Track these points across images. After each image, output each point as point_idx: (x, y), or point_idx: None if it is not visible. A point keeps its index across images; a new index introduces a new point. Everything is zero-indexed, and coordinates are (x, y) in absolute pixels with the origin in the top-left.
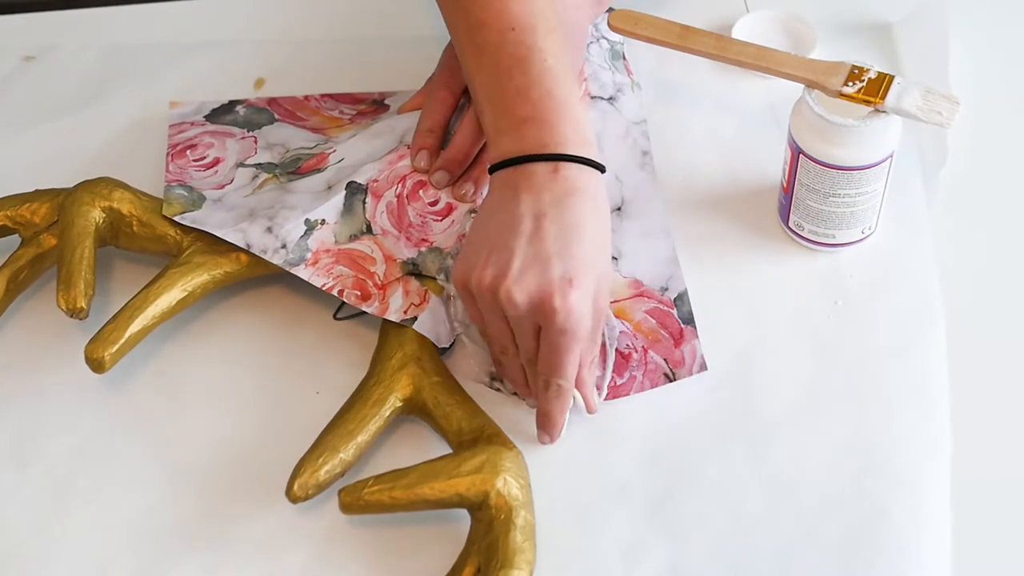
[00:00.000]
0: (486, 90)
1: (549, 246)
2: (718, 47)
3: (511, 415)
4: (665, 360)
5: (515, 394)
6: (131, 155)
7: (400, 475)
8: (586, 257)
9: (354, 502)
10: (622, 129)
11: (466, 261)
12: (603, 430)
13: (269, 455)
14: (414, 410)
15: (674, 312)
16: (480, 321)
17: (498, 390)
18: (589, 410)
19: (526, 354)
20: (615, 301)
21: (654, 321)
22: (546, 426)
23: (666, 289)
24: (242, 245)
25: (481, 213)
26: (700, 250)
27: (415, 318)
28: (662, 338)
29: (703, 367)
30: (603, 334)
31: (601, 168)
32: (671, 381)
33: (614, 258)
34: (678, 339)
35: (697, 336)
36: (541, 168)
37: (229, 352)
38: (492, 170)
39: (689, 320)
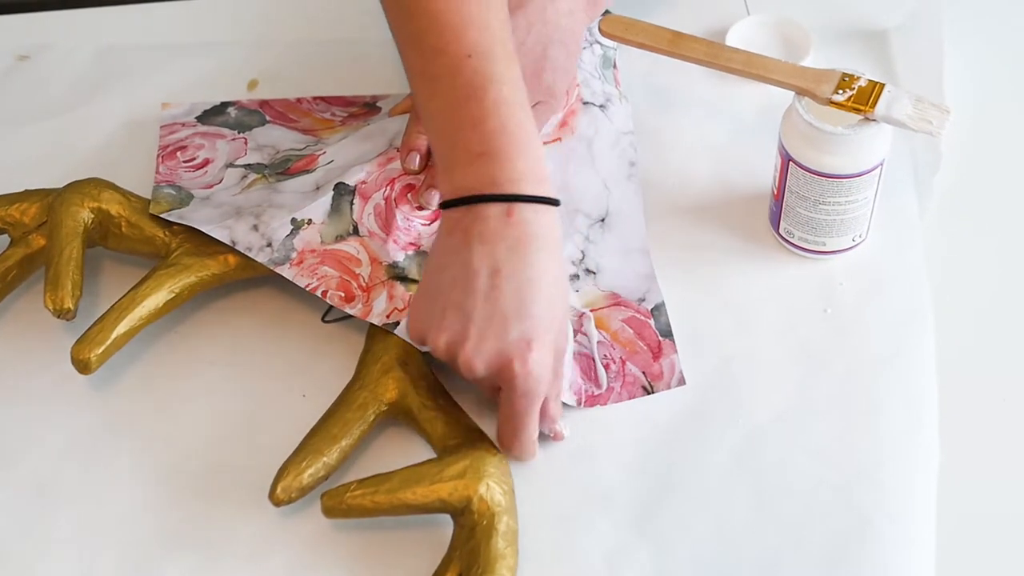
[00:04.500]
0: (439, 120)
1: (505, 306)
2: (709, 53)
3: (495, 421)
4: (643, 373)
5: None
6: (123, 156)
7: (383, 479)
8: (543, 314)
9: (336, 506)
10: (613, 137)
11: (420, 319)
12: (588, 437)
13: (254, 458)
14: (399, 414)
15: (651, 323)
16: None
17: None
18: (556, 439)
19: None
20: (593, 310)
21: (631, 331)
22: (519, 460)
23: (643, 300)
24: (227, 242)
25: (432, 261)
26: (690, 256)
27: (397, 323)
28: (640, 349)
29: (682, 381)
30: (584, 344)
31: (556, 203)
32: (649, 394)
33: (592, 272)
34: (656, 352)
35: (676, 351)
36: (494, 211)
37: (216, 354)
38: (443, 207)
39: (667, 333)
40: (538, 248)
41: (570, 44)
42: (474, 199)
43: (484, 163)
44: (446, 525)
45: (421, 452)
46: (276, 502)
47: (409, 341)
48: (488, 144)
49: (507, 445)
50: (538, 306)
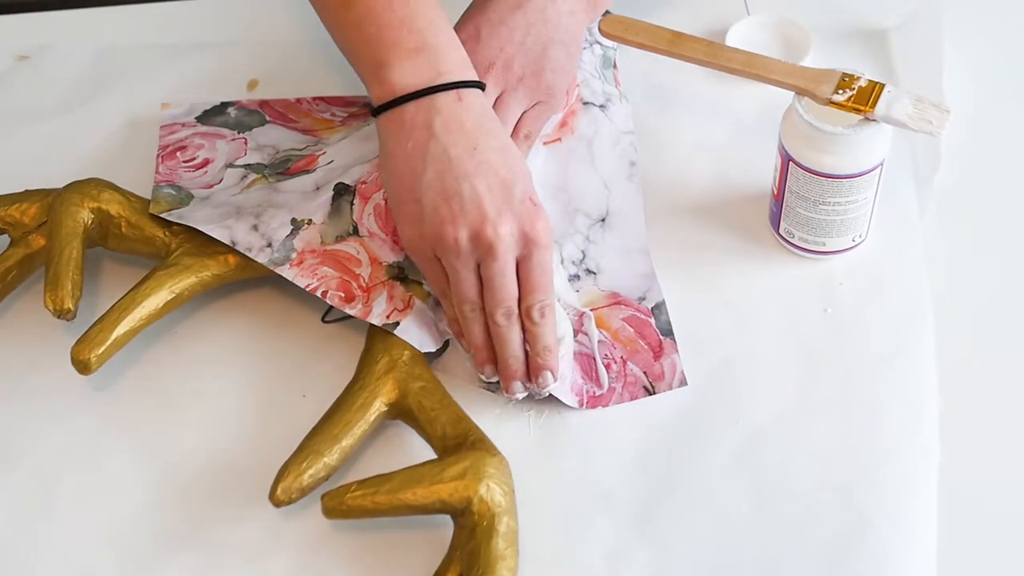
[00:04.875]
0: (361, 28)
1: (496, 175)
2: (708, 53)
3: (497, 421)
4: (645, 373)
5: (494, 390)
6: (122, 156)
7: (383, 480)
8: (524, 169)
9: (337, 507)
10: (613, 137)
11: (419, 225)
12: (589, 437)
13: (255, 458)
14: (399, 415)
15: (652, 321)
16: (442, 282)
17: (494, 391)
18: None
19: (501, 297)
20: (593, 310)
21: (632, 330)
22: (548, 358)
23: (643, 299)
24: (227, 242)
25: (398, 164)
26: (690, 256)
27: (397, 323)
28: (640, 349)
29: (683, 382)
30: (585, 344)
31: (484, 87)
32: (651, 395)
33: (593, 272)
34: (657, 351)
35: (677, 350)
36: (446, 99)
37: (216, 354)
38: (384, 108)
39: (668, 332)
40: (493, 120)
41: (570, 44)
42: (424, 92)
43: (423, 57)
44: (446, 526)
45: (421, 453)
46: (276, 503)
47: (408, 341)
48: (423, 39)
49: (536, 317)
50: (519, 163)
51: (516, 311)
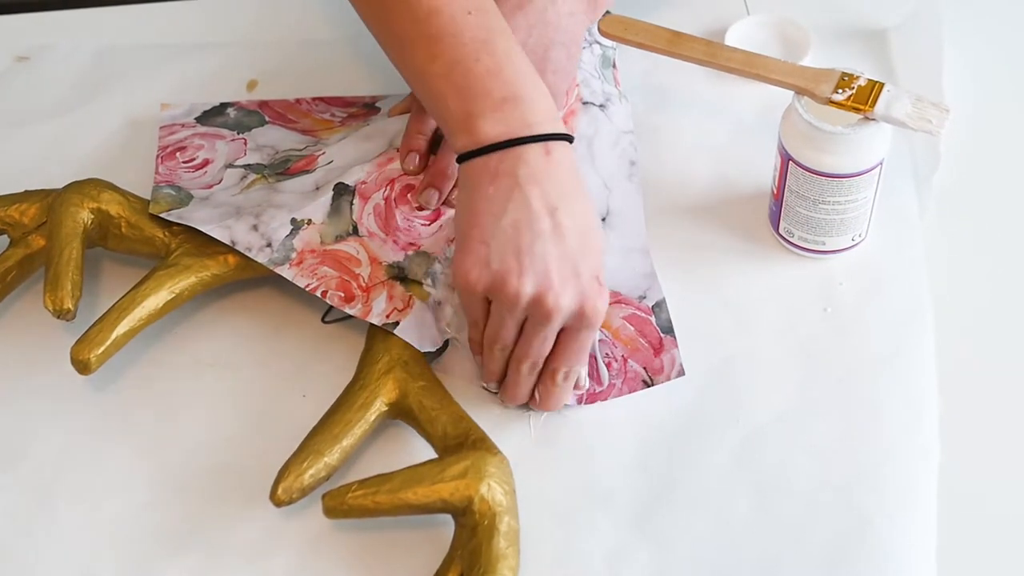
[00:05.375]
0: (449, 78)
1: (572, 245)
2: (708, 53)
3: (497, 420)
4: (644, 368)
5: (494, 391)
6: (122, 156)
7: (384, 480)
8: (599, 245)
9: (337, 506)
10: (613, 137)
11: (485, 267)
12: (589, 436)
13: (255, 458)
14: (400, 414)
15: (652, 319)
16: (481, 321)
17: (494, 392)
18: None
19: (535, 354)
20: None
21: (633, 329)
22: (553, 406)
23: (644, 297)
24: (227, 242)
25: (479, 208)
26: (690, 255)
27: (396, 323)
28: (641, 347)
29: (681, 372)
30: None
31: (571, 140)
32: (649, 386)
33: None
34: (658, 348)
35: (677, 346)
36: (534, 152)
37: (216, 354)
38: (470, 156)
39: (668, 330)
40: (579, 183)
41: (571, 46)
42: (513, 143)
43: (512, 108)
44: (447, 525)
45: (422, 452)
46: (277, 503)
47: (408, 340)
48: (511, 90)
49: (560, 379)
50: (595, 239)
51: (540, 366)
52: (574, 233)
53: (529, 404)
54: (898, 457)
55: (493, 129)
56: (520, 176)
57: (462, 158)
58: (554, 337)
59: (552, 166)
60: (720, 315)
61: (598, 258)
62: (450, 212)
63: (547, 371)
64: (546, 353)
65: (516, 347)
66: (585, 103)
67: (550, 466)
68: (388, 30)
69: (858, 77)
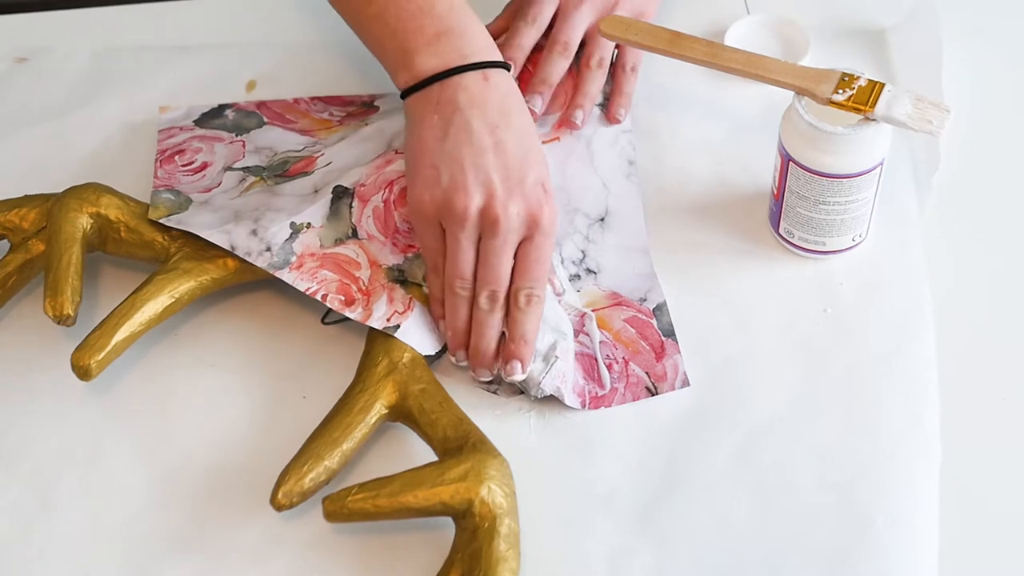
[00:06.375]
0: (385, 19)
1: (514, 156)
2: (708, 53)
3: (497, 422)
4: (647, 374)
5: (494, 391)
6: (122, 158)
7: (384, 483)
8: (541, 157)
9: (338, 510)
10: (612, 136)
11: (432, 190)
12: (590, 438)
13: (255, 461)
14: (400, 417)
15: (653, 323)
16: (437, 253)
17: (495, 392)
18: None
19: (493, 277)
20: (595, 310)
21: (633, 331)
22: (523, 348)
23: (644, 299)
24: (226, 247)
25: (422, 135)
26: (690, 256)
27: (397, 326)
28: (642, 350)
29: (686, 383)
30: (586, 344)
31: (509, 68)
32: (653, 395)
33: (593, 272)
34: (659, 352)
35: (679, 351)
36: (472, 79)
37: (216, 357)
38: (412, 90)
39: (670, 333)
40: (519, 102)
41: None
42: (450, 72)
43: (447, 41)
44: (447, 527)
45: (422, 455)
46: (278, 507)
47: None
48: (446, 24)
49: (522, 303)
50: (537, 152)
51: (501, 299)
52: (515, 146)
53: (501, 371)
54: (899, 456)
55: (428, 62)
56: (460, 102)
57: (405, 94)
58: (510, 256)
59: (490, 90)
60: (720, 315)
61: (542, 169)
62: None
63: (510, 298)
64: (505, 276)
65: (476, 278)
66: None
67: (550, 467)
68: None
69: (858, 77)
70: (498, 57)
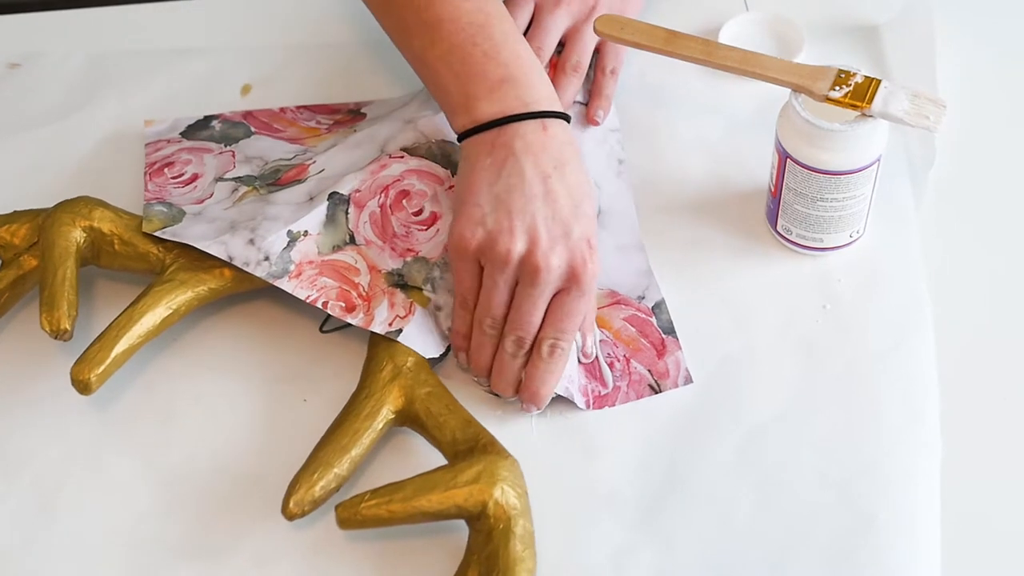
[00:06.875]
0: (447, 61)
1: (563, 208)
2: (704, 52)
3: (500, 423)
4: (649, 371)
5: (496, 393)
6: (115, 165)
7: (396, 488)
8: (591, 214)
9: (352, 517)
10: (600, 135)
11: (478, 230)
12: (592, 438)
13: (258, 468)
14: (407, 421)
15: (653, 320)
16: (470, 290)
17: (496, 394)
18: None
19: (523, 323)
20: None
21: (633, 329)
22: (540, 393)
23: (643, 298)
24: (224, 257)
25: (475, 178)
26: (688, 254)
27: (400, 330)
28: (643, 347)
29: (688, 379)
30: (590, 344)
31: (569, 119)
32: (656, 393)
33: None
34: (660, 350)
35: (680, 348)
36: (531, 127)
37: (217, 363)
38: (469, 134)
39: (670, 330)
40: (575, 155)
41: None
42: (510, 119)
43: (509, 88)
44: (461, 530)
45: (430, 458)
46: (289, 516)
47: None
48: (509, 71)
49: (546, 352)
50: (588, 207)
51: (528, 346)
52: (566, 198)
53: (520, 402)
54: (900, 452)
55: (489, 108)
56: (516, 148)
57: (462, 136)
58: (544, 305)
59: (548, 139)
60: (719, 313)
61: (591, 223)
62: (447, 217)
63: (536, 346)
64: (536, 324)
65: (507, 320)
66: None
67: (553, 467)
68: (390, 18)
69: (855, 74)
70: (559, 108)
